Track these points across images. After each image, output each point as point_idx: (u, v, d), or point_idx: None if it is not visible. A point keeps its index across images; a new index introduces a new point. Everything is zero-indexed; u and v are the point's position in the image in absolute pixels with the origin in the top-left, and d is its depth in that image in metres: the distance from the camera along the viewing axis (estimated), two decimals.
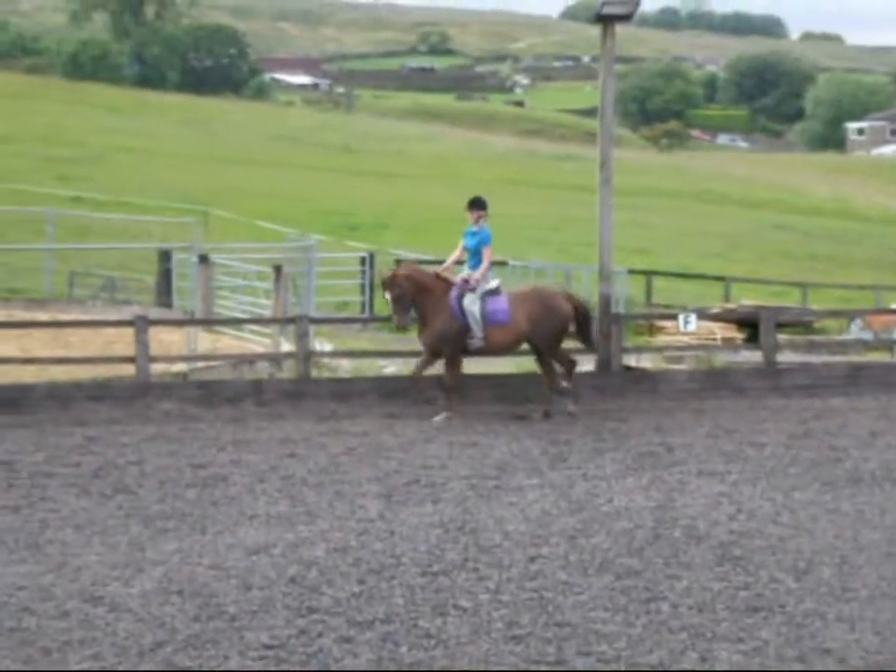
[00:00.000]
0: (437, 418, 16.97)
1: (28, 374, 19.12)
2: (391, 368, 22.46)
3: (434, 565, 11.33)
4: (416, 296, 16.80)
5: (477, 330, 16.94)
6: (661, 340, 31.66)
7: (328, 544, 11.88)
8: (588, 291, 31.01)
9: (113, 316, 24.31)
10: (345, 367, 21.82)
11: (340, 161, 72.66)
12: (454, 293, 17.00)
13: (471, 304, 16.96)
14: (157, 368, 18.92)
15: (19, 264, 33.38)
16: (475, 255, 17.25)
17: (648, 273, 41.24)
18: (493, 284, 17.25)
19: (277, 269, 24.73)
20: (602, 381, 18.83)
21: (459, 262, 17.41)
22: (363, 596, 10.58)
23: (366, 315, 31.96)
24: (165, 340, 23.09)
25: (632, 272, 38.24)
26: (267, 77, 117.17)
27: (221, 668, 9.14)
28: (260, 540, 11.94)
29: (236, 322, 24.69)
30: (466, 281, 17.09)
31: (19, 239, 35.41)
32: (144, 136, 71.51)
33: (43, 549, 11.64)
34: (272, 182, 59.90)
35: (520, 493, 13.67)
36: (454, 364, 17.15)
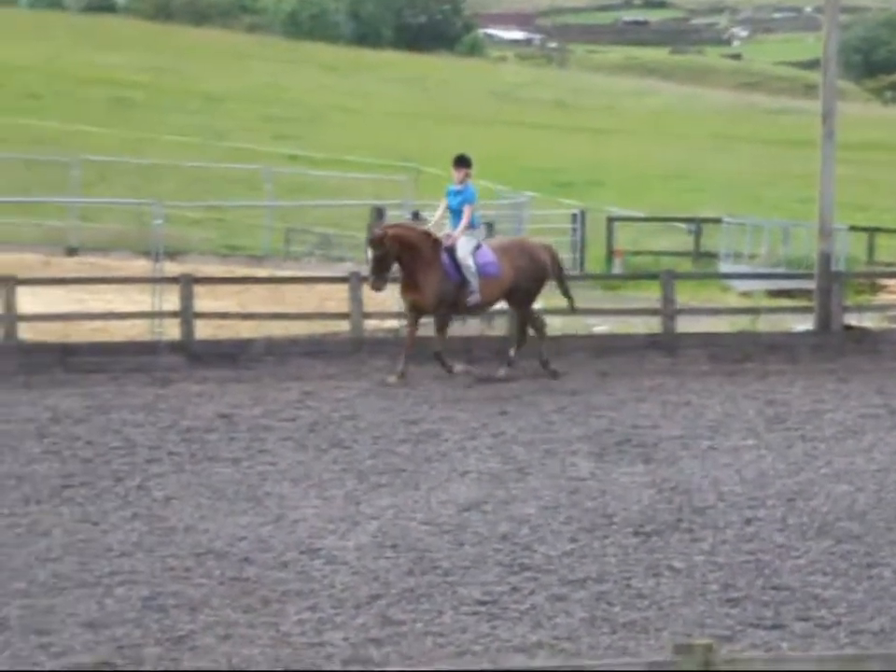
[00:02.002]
0: (458, 368, 16.42)
1: (246, 330, 19.51)
2: (603, 326, 22.29)
3: (647, 525, 11.22)
4: (403, 255, 16.09)
5: (475, 285, 16.27)
6: (883, 299, 30.78)
7: (539, 502, 11.86)
8: (807, 249, 30.32)
9: (328, 273, 24.65)
10: (556, 325, 21.73)
11: (552, 117, 72.33)
12: (444, 251, 16.31)
13: (466, 258, 16.24)
14: (370, 324, 19.12)
15: (238, 221, 34.10)
16: (458, 214, 16.52)
17: (870, 230, 40.07)
18: (475, 238, 16.53)
19: (488, 226, 24.75)
20: (821, 340, 18.39)
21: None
22: (575, 555, 10.54)
23: (577, 272, 31.79)
24: (378, 296, 23.31)
25: (853, 228, 37.20)
26: (480, 32, 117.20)
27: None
28: (472, 497, 11.99)
29: None
30: (447, 237, 16.42)
31: (238, 196, 36.16)
32: (359, 94, 72.28)
33: (262, 501, 11.89)
34: (484, 139, 59.96)
35: (735, 454, 13.45)
36: (445, 325, 16.52)
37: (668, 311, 18.47)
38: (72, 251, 28.04)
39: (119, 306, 21.22)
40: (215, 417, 14.72)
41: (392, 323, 20.75)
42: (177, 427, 14.30)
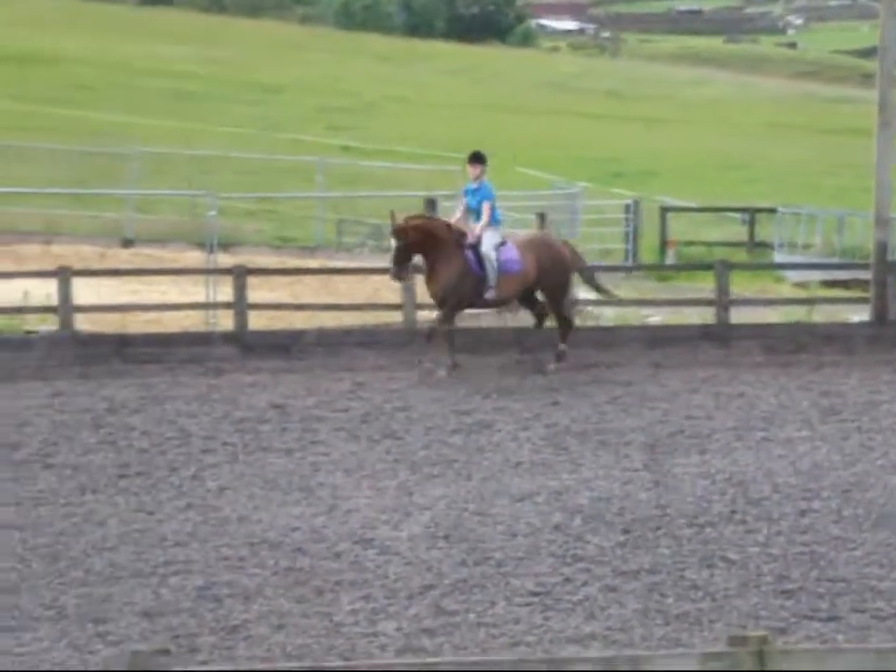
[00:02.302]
0: (440, 373, 16.13)
1: (299, 320, 19.58)
2: (656, 317, 22.21)
3: (700, 516, 11.18)
4: (426, 246, 16.06)
5: (493, 280, 16.15)
6: None
7: (592, 493, 11.84)
8: (862, 238, 30.07)
9: (380, 264, 24.67)
10: (609, 315, 21.68)
11: (606, 107, 72.09)
12: (467, 243, 16.22)
13: (489, 252, 16.16)
14: (423, 315, 19.14)
15: (290, 212, 34.22)
16: (478, 212, 16.44)
17: None
18: (498, 235, 16.45)
19: (541, 216, 24.69)
20: (877, 331, 18.22)
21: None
22: (628, 546, 10.52)
23: (630, 263, 31.69)
24: None
25: None
26: (533, 23, 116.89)
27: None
28: (525, 488, 11.98)
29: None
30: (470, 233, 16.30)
31: (291, 187, 36.28)
32: (412, 85, 72.32)
33: (315, 492, 11.93)
34: (537, 129, 59.89)
35: (789, 445, 13.37)
36: (453, 314, 16.40)
37: (722, 301, 18.37)
38: (127, 243, 28.23)
39: (174, 297, 21.35)
40: (268, 408, 14.79)
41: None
42: (231, 418, 14.37)
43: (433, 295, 16.47)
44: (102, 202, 32.10)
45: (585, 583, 9.79)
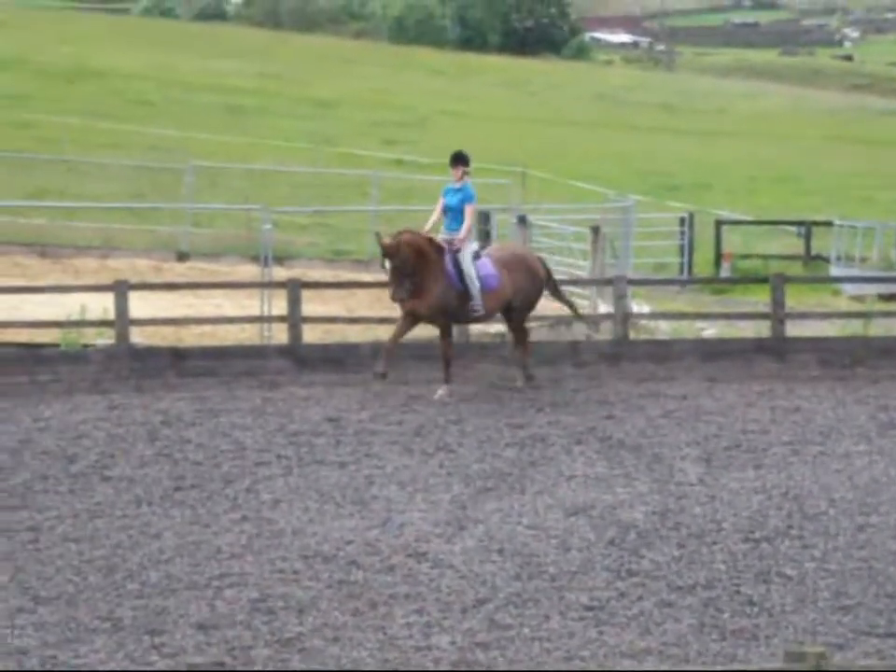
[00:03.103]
0: (439, 392, 15.82)
1: (353, 334, 19.63)
2: (711, 330, 22.12)
3: (756, 531, 11.11)
4: (416, 263, 15.59)
5: (478, 297, 15.77)
6: None
7: (646, 507, 11.79)
8: None
9: None
10: (663, 329, 21.62)
11: (660, 120, 71.92)
12: (448, 258, 15.80)
13: (470, 268, 15.72)
14: (476, 328, 19.15)
15: (344, 226, 34.31)
16: (457, 213, 15.94)
17: None
18: (475, 245, 16.14)
19: (595, 230, 24.65)
20: None
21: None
22: (684, 561, 10.46)
23: (685, 276, 31.57)
24: None
25: None
26: (587, 36, 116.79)
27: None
28: (579, 502, 11.95)
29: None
30: (450, 243, 15.86)
31: (345, 201, 36.41)
32: (466, 99, 72.43)
33: (369, 504, 11.95)
34: (590, 143, 59.83)
35: (847, 459, 13.27)
36: (449, 334, 16.07)
37: (778, 315, 18.27)
38: (183, 256, 28.40)
39: (228, 311, 21.46)
40: (322, 421, 14.83)
41: (498, 327, 20.77)
42: (285, 431, 14.42)
43: (409, 311, 15.89)
44: (158, 216, 32.35)
45: (640, 598, 9.74)
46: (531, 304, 16.48)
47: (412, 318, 15.94)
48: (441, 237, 15.97)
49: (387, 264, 15.55)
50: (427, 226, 16.12)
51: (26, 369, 16.75)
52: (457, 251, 15.84)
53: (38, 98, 53.92)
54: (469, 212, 15.97)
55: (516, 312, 16.33)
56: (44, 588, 10.02)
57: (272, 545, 10.93)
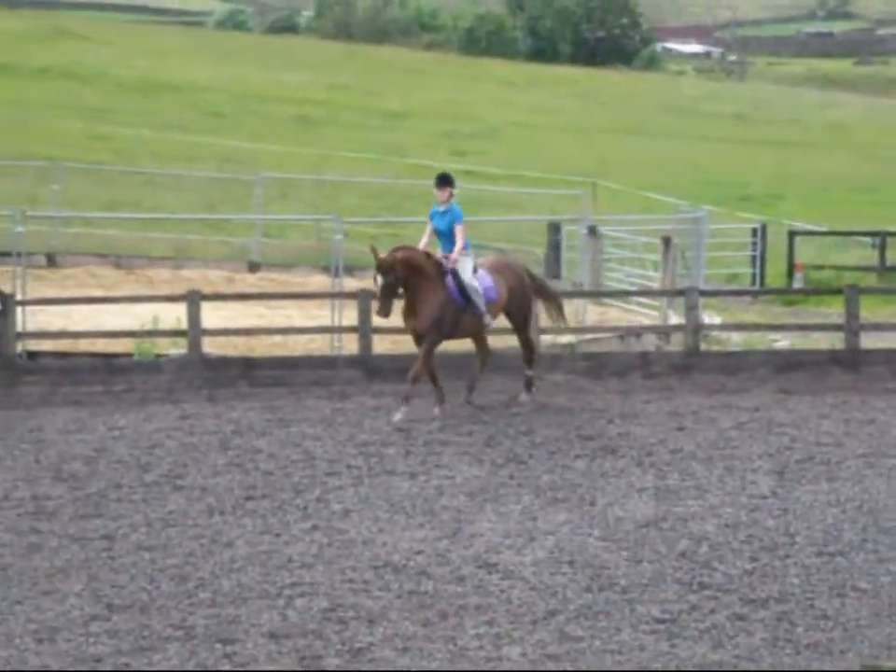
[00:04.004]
0: (435, 411, 15.58)
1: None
2: (783, 342, 21.94)
3: (830, 544, 11.00)
4: (410, 279, 15.32)
5: (483, 307, 15.53)
6: None
7: (718, 519, 11.71)
8: None
9: None
10: (735, 340, 21.46)
11: (732, 130, 71.52)
12: (447, 273, 15.53)
13: (471, 281, 15.52)
14: (546, 339, 19.12)
15: (415, 236, 34.32)
16: (448, 236, 15.67)
17: None
18: (471, 263, 15.76)
19: (666, 240, 24.53)
20: None
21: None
22: (756, 574, 10.38)
23: (757, 287, 31.34)
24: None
25: None
26: (658, 46, 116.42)
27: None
28: (650, 514, 11.89)
29: (624, 294, 24.68)
30: (446, 259, 15.59)
31: (415, 212, 36.46)
32: (536, 110, 72.40)
33: (438, 515, 11.95)
34: (661, 153, 59.60)
35: None
36: (433, 350, 15.68)
37: (852, 326, 18.10)
38: (254, 267, 28.57)
39: (299, 321, 21.55)
40: (392, 431, 14.86)
41: (568, 338, 20.73)
42: (355, 441, 14.47)
43: (412, 330, 15.73)
44: (230, 227, 32.57)
45: (712, 611, 9.68)
46: (525, 310, 16.32)
47: (417, 336, 15.73)
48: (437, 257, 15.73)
49: (379, 279, 15.29)
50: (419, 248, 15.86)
51: (101, 378, 16.93)
52: (453, 270, 15.58)
53: (116, 111, 54.52)
54: (459, 231, 15.68)
55: (513, 319, 16.21)
56: (117, 596, 10.10)
57: (342, 555, 10.96)
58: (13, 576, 10.52)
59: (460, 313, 15.64)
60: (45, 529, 11.60)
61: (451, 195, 15.88)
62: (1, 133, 44.83)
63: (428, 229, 16.02)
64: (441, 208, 15.83)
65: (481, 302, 15.63)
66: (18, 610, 9.84)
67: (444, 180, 15.96)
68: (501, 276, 16.01)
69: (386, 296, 15.31)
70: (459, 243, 15.66)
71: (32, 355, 18.24)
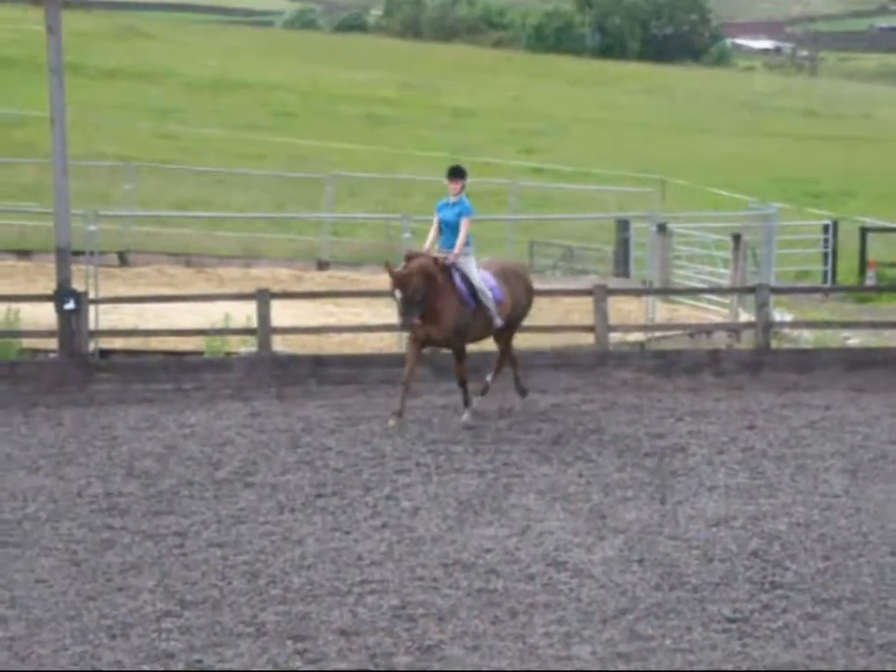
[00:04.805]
0: (464, 417, 15.27)
1: (490, 342, 19.62)
2: (855, 339, 21.74)
3: None
4: (426, 289, 14.97)
5: (494, 308, 15.28)
6: None
7: (790, 518, 11.63)
8: None
9: (572, 286, 24.66)
10: (807, 337, 21.29)
11: (803, 126, 70.94)
12: (457, 277, 15.23)
13: (480, 283, 15.21)
14: (615, 337, 19.06)
15: (482, 234, 34.32)
16: (454, 228, 15.38)
17: None
18: (474, 262, 15.46)
19: (736, 238, 24.39)
20: None
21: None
22: (829, 573, 10.29)
23: (828, 284, 31.07)
24: (623, 309, 23.21)
25: None
26: (728, 42, 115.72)
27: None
28: (721, 512, 11.82)
29: (694, 292, 24.56)
30: (444, 258, 15.25)
31: (483, 210, 36.44)
32: (605, 107, 72.18)
33: (507, 513, 11.94)
34: (731, 150, 59.22)
35: None
36: (464, 357, 15.41)
37: None
38: (323, 265, 28.69)
39: (367, 319, 21.62)
40: (460, 429, 14.87)
41: (637, 336, 20.66)
42: (424, 439, 14.49)
43: (433, 339, 15.43)
44: (299, 225, 32.73)
45: (784, 611, 9.61)
46: (523, 314, 16.14)
47: (420, 345, 15.48)
48: (436, 253, 15.50)
49: (398, 294, 15.03)
50: (427, 244, 15.64)
51: (172, 376, 17.07)
52: (454, 265, 15.36)
53: (185, 110, 54.91)
54: (465, 225, 15.46)
55: (511, 324, 15.94)
56: (189, 592, 10.18)
57: (411, 552, 10.98)
58: (87, 572, 10.63)
59: (473, 315, 15.44)
60: (118, 526, 11.72)
61: (463, 188, 15.71)
62: (72, 133, 45.35)
63: (435, 221, 15.80)
64: (452, 200, 15.65)
65: (491, 304, 15.48)
66: (91, 606, 9.95)
67: (457, 172, 15.83)
68: (504, 278, 15.76)
69: (407, 308, 15.02)
70: (462, 237, 15.42)
71: (104, 353, 18.43)
